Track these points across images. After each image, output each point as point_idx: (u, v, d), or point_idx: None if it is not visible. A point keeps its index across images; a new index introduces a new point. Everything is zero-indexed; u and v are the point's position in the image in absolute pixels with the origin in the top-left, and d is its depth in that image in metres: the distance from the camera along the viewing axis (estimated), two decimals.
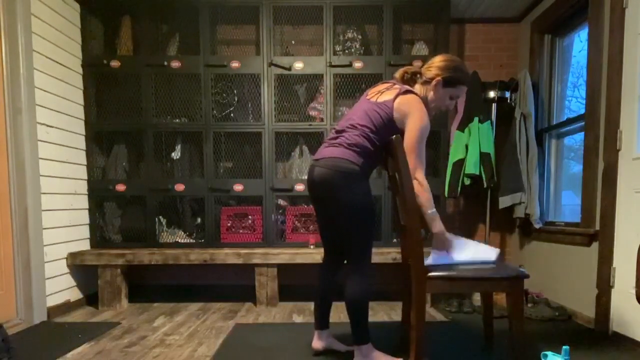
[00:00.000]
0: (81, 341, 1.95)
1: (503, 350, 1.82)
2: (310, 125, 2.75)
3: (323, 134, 2.72)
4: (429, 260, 1.58)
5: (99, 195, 2.76)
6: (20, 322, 2.18)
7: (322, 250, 1.77)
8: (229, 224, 2.78)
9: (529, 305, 2.46)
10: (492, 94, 2.74)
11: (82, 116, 2.70)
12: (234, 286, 3.04)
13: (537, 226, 2.64)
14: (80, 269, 2.62)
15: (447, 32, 2.73)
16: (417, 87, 1.63)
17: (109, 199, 2.82)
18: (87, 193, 2.73)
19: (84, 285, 2.70)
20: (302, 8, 2.71)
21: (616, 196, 2.01)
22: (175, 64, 2.69)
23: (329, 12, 2.67)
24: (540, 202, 2.69)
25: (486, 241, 2.81)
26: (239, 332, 2.11)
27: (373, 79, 2.65)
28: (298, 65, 2.70)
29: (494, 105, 2.77)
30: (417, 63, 2.57)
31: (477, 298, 2.61)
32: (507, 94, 2.77)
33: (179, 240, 2.79)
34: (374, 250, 1.61)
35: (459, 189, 2.69)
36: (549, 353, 1.43)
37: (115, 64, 2.68)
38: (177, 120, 2.78)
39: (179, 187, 2.73)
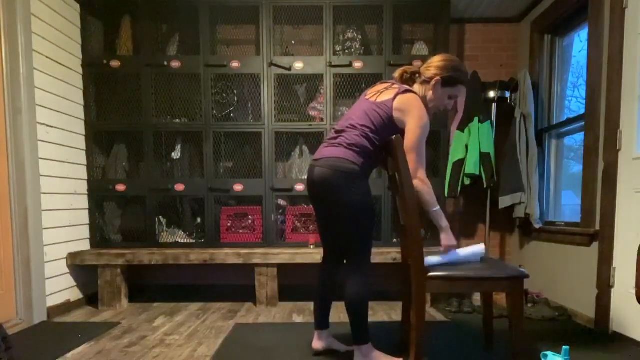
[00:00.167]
0: (81, 341, 1.95)
1: (503, 350, 1.82)
2: (310, 125, 2.75)
3: (323, 134, 2.72)
4: (427, 261, 1.58)
5: (99, 195, 2.76)
6: (20, 322, 2.18)
7: (322, 250, 1.77)
8: (229, 224, 2.78)
9: (529, 305, 2.46)
10: (492, 94, 2.74)
11: (82, 116, 2.70)
12: (234, 286, 3.04)
13: (537, 226, 2.64)
14: (80, 269, 2.62)
15: (447, 32, 2.73)
16: (417, 87, 1.63)
17: (109, 199, 2.82)
18: (87, 193, 2.73)
19: (84, 285, 2.70)
20: (302, 8, 2.71)
21: (616, 196, 2.01)
22: (175, 64, 2.69)
23: (329, 12, 2.67)
24: (540, 202, 2.70)
25: (486, 241, 2.82)
26: (239, 332, 2.11)
27: (373, 79, 2.65)
28: (298, 65, 2.70)
29: (494, 105, 2.77)
30: (417, 63, 2.57)
31: (477, 298, 2.61)
32: (507, 94, 2.77)
33: (179, 240, 2.79)
34: (374, 250, 1.61)
35: (459, 189, 2.69)
36: (549, 353, 1.43)
37: (115, 64, 2.69)
38: (177, 120, 2.78)
39: (179, 187, 2.73)
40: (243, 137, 2.81)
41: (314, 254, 2.54)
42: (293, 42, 2.92)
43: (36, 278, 2.23)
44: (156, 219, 2.77)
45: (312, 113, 2.82)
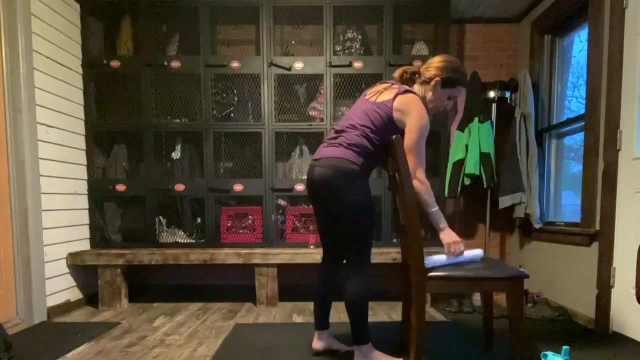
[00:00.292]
0: (81, 341, 1.95)
1: (503, 350, 1.82)
2: (310, 125, 2.75)
3: (323, 134, 2.72)
4: (427, 262, 1.58)
5: (99, 195, 2.76)
6: (20, 322, 2.18)
7: (322, 250, 1.77)
8: (229, 224, 2.78)
9: (529, 305, 2.46)
10: (492, 94, 2.74)
11: (82, 116, 2.70)
12: (234, 286, 3.04)
13: (537, 226, 2.64)
14: (80, 269, 2.62)
15: (447, 32, 2.73)
16: (416, 87, 1.63)
17: (109, 199, 2.82)
18: (87, 193, 2.73)
19: (84, 285, 2.70)
20: (302, 8, 2.71)
21: (616, 196, 2.01)
22: (175, 64, 2.69)
23: (329, 12, 2.67)
24: (540, 202, 2.70)
25: (486, 241, 2.82)
26: (239, 332, 2.11)
27: (373, 79, 2.65)
28: (298, 65, 2.70)
29: (494, 105, 2.77)
30: (417, 63, 2.57)
31: (477, 298, 2.61)
32: (507, 94, 2.77)
33: (179, 240, 2.79)
34: (373, 250, 1.61)
35: (459, 189, 2.69)
36: (549, 353, 1.43)
37: (115, 64, 2.69)
38: (177, 120, 2.78)
39: (179, 187, 2.73)
40: (243, 137, 2.81)
41: (314, 254, 2.54)
42: (293, 42, 2.93)
43: (36, 278, 2.23)
44: (156, 219, 2.77)
45: (312, 113, 2.82)
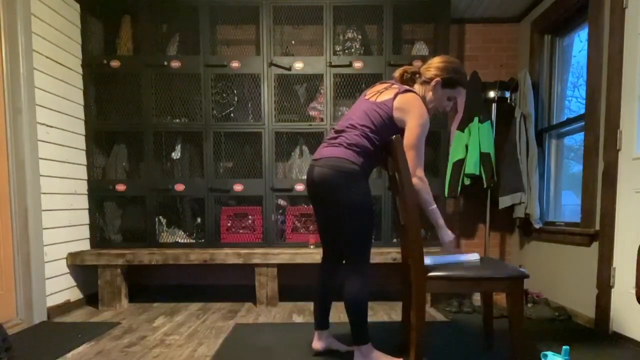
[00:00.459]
0: (81, 341, 1.95)
1: (503, 350, 1.82)
2: (310, 125, 2.75)
3: (323, 134, 2.72)
4: (427, 261, 1.58)
5: (99, 195, 2.76)
6: (20, 322, 2.18)
7: (321, 250, 1.77)
8: (229, 224, 2.78)
9: (529, 305, 2.46)
10: (492, 94, 2.74)
11: (82, 116, 2.70)
12: (234, 286, 3.04)
13: (537, 226, 2.64)
14: (80, 269, 2.62)
15: (447, 32, 2.73)
16: (417, 87, 1.64)
17: (109, 199, 2.82)
18: (87, 193, 2.73)
19: (84, 285, 2.70)
20: (302, 8, 2.71)
21: (616, 196, 2.01)
22: (175, 64, 2.69)
23: (329, 12, 2.67)
24: (540, 202, 2.69)
25: (486, 241, 2.82)
26: (239, 332, 2.11)
27: (373, 79, 2.65)
28: (298, 65, 2.70)
29: (494, 105, 2.77)
30: (417, 63, 2.57)
31: (477, 298, 2.61)
32: (507, 94, 2.77)
33: (179, 240, 2.79)
34: (373, 250, 1.62)
35: (459, 189, 2.69)
36: (549, 353, 1.43)
37: (115, 64, 2.69)
38: (177, 120, 2.78)
39: (179, 187, 2.73)
40: (243, 137, 2.81)
41: (314, 254, 2.54)
42: (293, 42, 2.93)
43: (36, 278, 2.23)
44: (156, 219, 2.77)
45: (312, 113, 2.82)
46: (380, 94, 1.58)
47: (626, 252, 1.95)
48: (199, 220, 2.87)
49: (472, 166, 2.62)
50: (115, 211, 2.87)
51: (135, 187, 2.74)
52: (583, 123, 2.30)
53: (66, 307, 2.51)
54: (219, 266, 2.80)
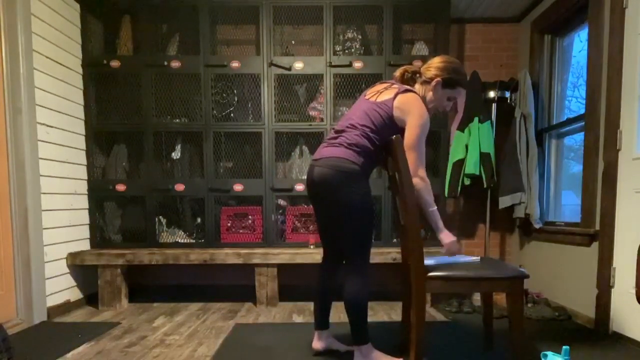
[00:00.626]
0: (81, 341, 1.95)
1: (503, 350, 1.82)
2: (310, 125, 2.75)
3: (323, 134, 2.72)
4: (427, 261, 1.58)
5: (99, 195, 2.76)
6: (20, 322, 2.18)
7: (322, 250, 1.77)
8: (229, 224, 2.78)
9: (529, 305, 2.46)
10: (492, 94, 2.74)
11: (82, 116, 2.70)
12: (234, 286, 3.04)
13: (537, 226, 2.64)
14: (80, 269, 2.62)
15: (447, 32, 2.73)
16: (417, 87, 1.64)
17: (109, 199, 2.82)
18: (87, 193, 2.73)
19: (84, 285, 2.70)
20: (302, 8, 2.71)
21: (616, 196, 2.01)
22: (175, 64, 2.69)
23: (329, 12, 2.67)
24: (540, 202, 2.69)
25: (486, 241, 2.82)
26: (239, 332, 2.11)
27: (373, 79, 2.65)
28: (298, 65, 2.70)
29: (494, 105, 2.77)
30: (417, 63, 2.57)
31: (477, 298, 2.61)
32: (507, 94, 2.77)
33: (179, 240, 2.79)
34: (373, 250, 1.61)
35: (459, 189, 2.69)
36: (549, 353, 1.43)
37: (115, 64, 2.69)
38: (177, 120, 2.78)
39: (179, 187, 2.73)
40: (243, 137, 2.81)
41: (314, 254, 2.54)
42: (293, 42, 2.93)
43: (36, 278, 2.23)
44: (156, 219, 2.77)
45: (312, 113, 2.82)
46: (380, 94, 1.58)
47: (626, 252, 1.95)
48: (199, 220, 2.87)
49: (472, 166, 2.62)
50: (115, 211, 2.87)
51: (135, 187, 2.74)
52: (583, 123, 2.30)
53: (66, 307, 2.51)
54: (219, 266, 2.80)
